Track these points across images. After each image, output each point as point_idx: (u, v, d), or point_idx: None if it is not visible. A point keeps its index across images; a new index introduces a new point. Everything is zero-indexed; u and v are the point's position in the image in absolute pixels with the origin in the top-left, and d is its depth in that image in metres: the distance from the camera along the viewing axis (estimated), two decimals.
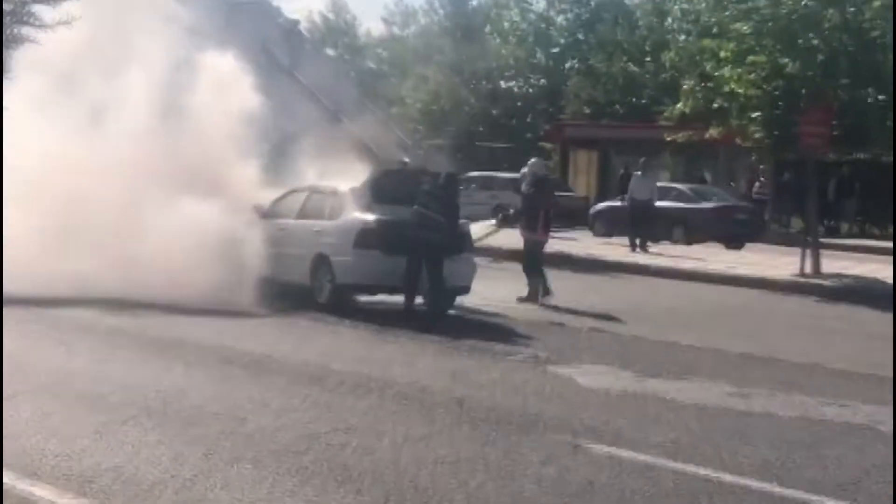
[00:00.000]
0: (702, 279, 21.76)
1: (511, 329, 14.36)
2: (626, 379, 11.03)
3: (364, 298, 16.11)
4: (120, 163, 16.45)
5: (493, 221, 20.81)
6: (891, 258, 23.75)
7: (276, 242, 16.30)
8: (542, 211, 17.12)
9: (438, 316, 14.84)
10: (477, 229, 20.09)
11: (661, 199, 27.76)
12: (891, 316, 16.15)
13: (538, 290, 16.99)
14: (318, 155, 17.76)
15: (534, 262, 17.19)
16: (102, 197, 16.14)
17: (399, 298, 15.52)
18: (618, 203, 30.48)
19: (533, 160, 18.31)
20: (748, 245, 29.65)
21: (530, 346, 12.85)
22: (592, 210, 32.31)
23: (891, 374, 11.44)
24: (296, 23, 33.77)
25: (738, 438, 8.69)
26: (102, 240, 15.56)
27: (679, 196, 29.67)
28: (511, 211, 19.19)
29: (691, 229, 28.67)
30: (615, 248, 26.57)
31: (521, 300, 16.89)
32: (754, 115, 21.76)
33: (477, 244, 19.36)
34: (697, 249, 27.27)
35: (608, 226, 30.47)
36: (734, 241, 29.02)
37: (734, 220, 29.96)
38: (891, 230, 33.13)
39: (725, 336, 14.48)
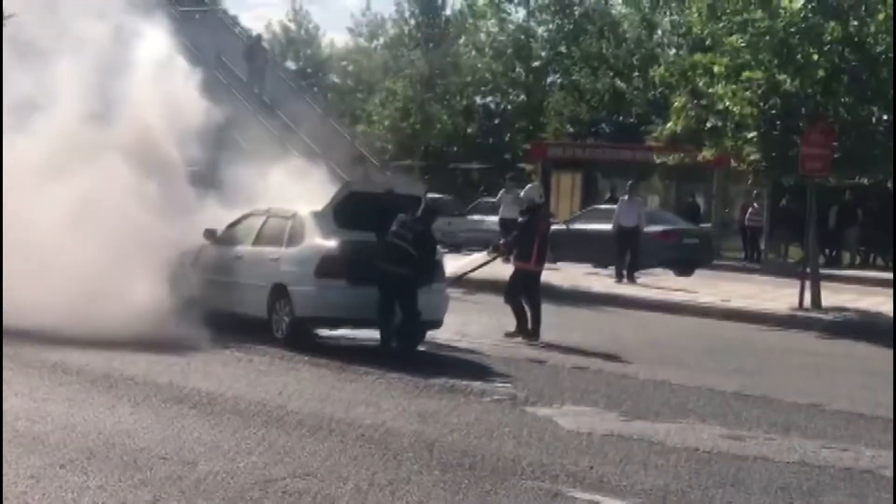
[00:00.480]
0: (694, 312, 21.84)
1: (486, 367, 14.36)
2: (611, 421, 11.06)
3: (326, 333, 16.09)
4: (48, 167, 16.25)
5: (486, 252, 20.93)
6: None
7: (231, 271, 16.28)
8: (537, 239, 17.14)
9: (410, 351, 14.83)
10: (471, 260, 20.13)
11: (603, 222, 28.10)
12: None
13: (527, 323, 16.90)
14: (273, 173, 17.75)
15: (518, 292, 17.13)
16: (31, 212, 15.95)
17: (364, 333, 15.50)
18: (562, 227, 30.92)
19: (529, 186, 18.82)
20: (747, 277, 29.79)
21: (507, 385, 12.87)
22: None
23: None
24: (258, 38, 33.91)
25: (731, 485, 8.73)
26: (32, 260, 15.41)
27: None
28: (501, 241, 19.20)
29: (637, 255, 28.69)
30: (600, 279, 26.64)
31: (510, 335, 16.85)
32: (750, 135, 21.91)
33: (471, 276, 19.36)
34: (686, 280, 27.36)
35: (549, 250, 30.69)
36: (683, 268, 29.39)
37: (682, 245, 30.36)
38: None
39: (719, 374, 14.55)
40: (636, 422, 11.04)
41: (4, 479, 7.94)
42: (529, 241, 17.16)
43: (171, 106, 17.33)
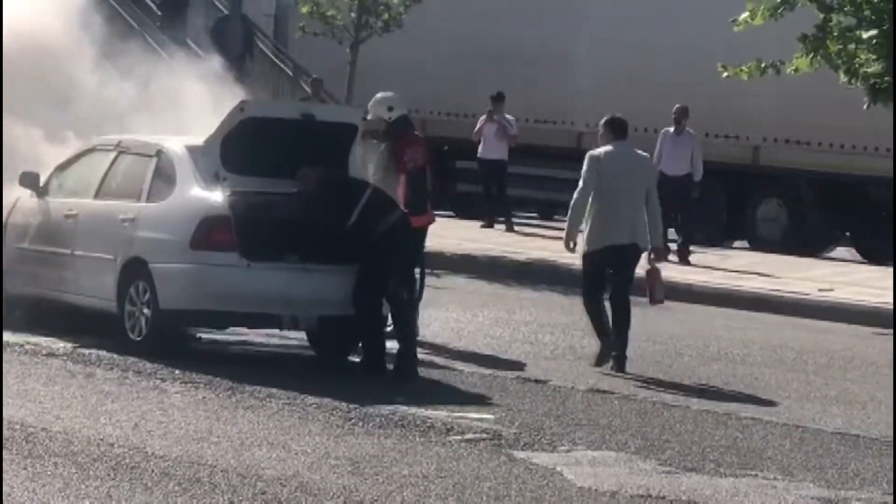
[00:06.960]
0: (776, 308, 21.85)
1: (456, 388, 14.41)
2: (646, 473, 11.12)
3: (207, 335, 16.13)
4: None
5: None
6: None
7: (61, 238, 16.24)
8: (403, 177, 16.30)
9: (411, 368, 14.82)
10: None
11: None
12: None
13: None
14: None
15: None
16: None
17: (266, 336, 15.53)
18: None
19: (379, 95, 17.43)
20: (859, 257, 29.89)
21: (488, 417, 12.91)
22: None
23: None
24: None
25: None
26: None
27: None
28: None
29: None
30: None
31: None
32: (867, 34, 21.93)
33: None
34: (767, 260, 27.45)
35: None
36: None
37: None
38: None
39: (813, 403, 14.64)
40: (686, 475, 11.09)
41: None
42: (393, 181, 16.37)
43: None
